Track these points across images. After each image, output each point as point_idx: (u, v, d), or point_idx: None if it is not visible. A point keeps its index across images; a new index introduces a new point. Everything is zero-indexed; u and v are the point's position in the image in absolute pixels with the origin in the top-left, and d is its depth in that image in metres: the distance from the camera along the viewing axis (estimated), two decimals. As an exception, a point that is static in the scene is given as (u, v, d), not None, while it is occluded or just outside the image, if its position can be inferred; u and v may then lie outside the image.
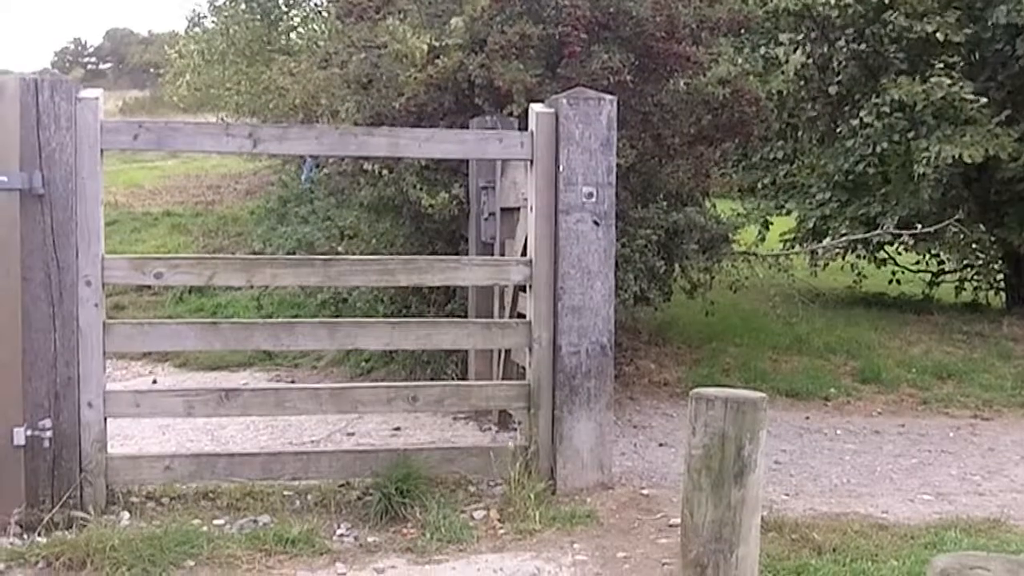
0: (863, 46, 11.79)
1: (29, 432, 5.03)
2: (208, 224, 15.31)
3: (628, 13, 7.78)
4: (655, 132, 8.13)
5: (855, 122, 11.52)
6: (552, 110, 5.66)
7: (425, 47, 7.61)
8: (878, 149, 11.40)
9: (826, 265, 12.74)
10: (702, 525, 3.49)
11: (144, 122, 5.43)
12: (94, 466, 5.17)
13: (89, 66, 76.72)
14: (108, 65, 76.42)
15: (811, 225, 12.61)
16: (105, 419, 5.24)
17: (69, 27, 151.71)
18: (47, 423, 5.06)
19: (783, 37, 12.16)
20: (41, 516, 5.00)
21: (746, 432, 3.56)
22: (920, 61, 11.56)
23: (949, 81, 10.66)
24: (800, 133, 13.16)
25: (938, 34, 10.96)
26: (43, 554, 4.69)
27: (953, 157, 10.53)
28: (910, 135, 11.13)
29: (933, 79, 10.74)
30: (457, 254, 8.06)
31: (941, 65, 11.02)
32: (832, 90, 12.15)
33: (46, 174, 5.02)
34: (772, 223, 13.04)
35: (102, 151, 5.21)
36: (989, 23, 11.30)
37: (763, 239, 12.57)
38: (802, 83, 12.30)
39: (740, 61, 8.47)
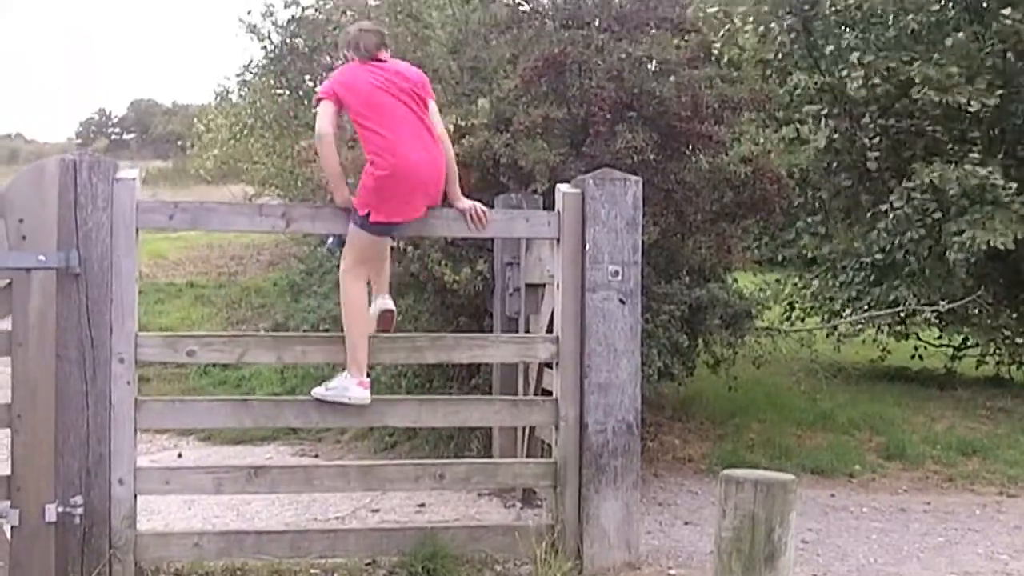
0: (891, 121, 11.86)
1: (61, 509, 5.07)
2: (231, 295, 15.40)
3: (652, 93, 7.90)
4: (678, 209, 8.20)
5: (884, 206, 11.57)
6: (579, 190, 5.74)
7: (451, 127, 7.73)
8: (911, 235, 11.41)
9: (854, 335, 12.70)
10: (733, 609, 3.50)
11: (180, 202, 5.53)
12: (124, 543, 5.20)
13: (113, 136, 77.62)
14: (132, 135, 77.28)
15: (837, 306, 12.61)
16: (135, 496, 5.28)
17: (94, 98, 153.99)
18: (78, 500, 5.10)
19: (805, 111, 12.28)
20: (71, 593, 5.03)
21: (776, 514, 3.58)
22: (950, 139, 11.60)
23: (983, 170, 10.71)
24: (825, 211, 13.18)
25: (972, 102, 11.01)
26: (72, 631, 4.72)
27: (987, 243, 10.55)
28: (937, 216, 11.18)
29: (967, 166, 10.80)
30: (481, 329, 8.11)
31: (975, 154, 11.08)
32: (858, 168, 12.20)
33: (83, 253, 5.11)
34: (797, 303, 13.07)
35: (137, 230, 5.31)
36: (1019, 95, 11.37)
37: (789, 319, 12.59)
38: (826, 160, 12.37)
39: (762, 140, 8.56)
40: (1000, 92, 11.25)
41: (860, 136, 12.20)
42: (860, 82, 11.41)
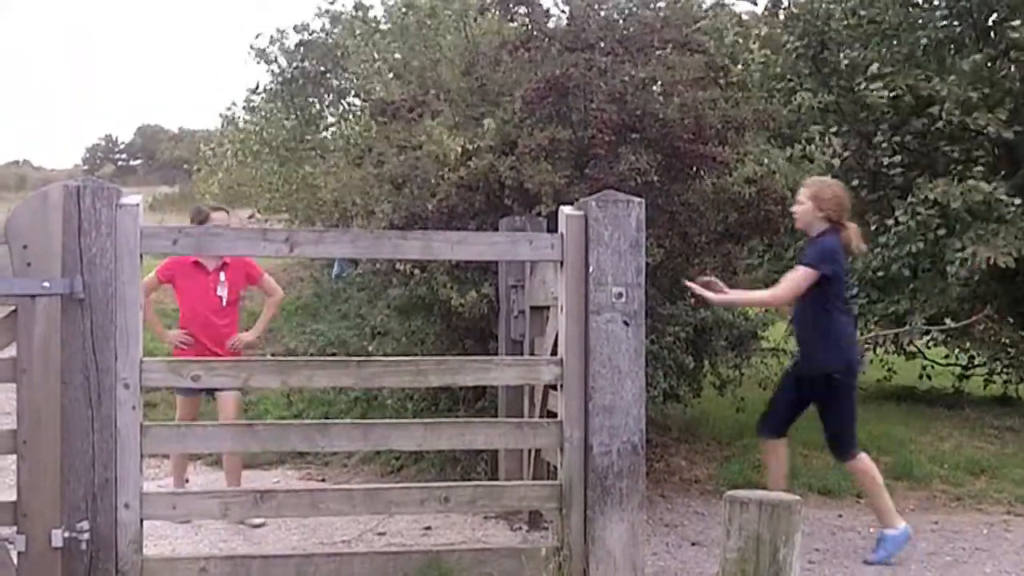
0: (908, 138, 11.87)
1: (67, 534, 5.07)
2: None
3: (655, 115, 7.92)
4: (682, 230, 8.21)
5: (890, 221, 11.57)
6: (582, 213, 5.74)
7: (459, 148, 7.76)
8: (912, 249, 11.40)
9: (859, 359, 12.67)
10: (738, 630, 3.50)
11: (184, 228, 5.56)
12: (130, 568, 5.20)
13: (120, 162, 77.93)
14: (138, 161, 77.60)
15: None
16: (141, 521, 5.28)
17: (100, 124, 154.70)
18: (84, 525, 5.10)
19: (812, 130, 12.29)
20: (77, 619, 5.03)
21: (781, 535, 3.57)
22: (963, 157, 11.60)
23: (988, 186, 10.71)
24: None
25: (989, 128, 11.03)
26: (78, 657, 4.71)
27: (988, 261, 10.54)
28: (941, 232, 11.17)
29: (971, 181, 10.80)
30: (487, 352, 8.12)
31: (981, 168, 11.09)
32: (867, 187, 12.21)
33: (87, 279, 5.12)
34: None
35: (141, 256, 5.32)
36: None
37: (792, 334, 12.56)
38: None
39: (766, 161, 8.57)
40: (1016, 128, 11.29)
41: (873, 154, 12.19)
42: (882, 93, 11.41)
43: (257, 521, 7.31)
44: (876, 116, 11.94)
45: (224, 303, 8.13)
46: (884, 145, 12.01)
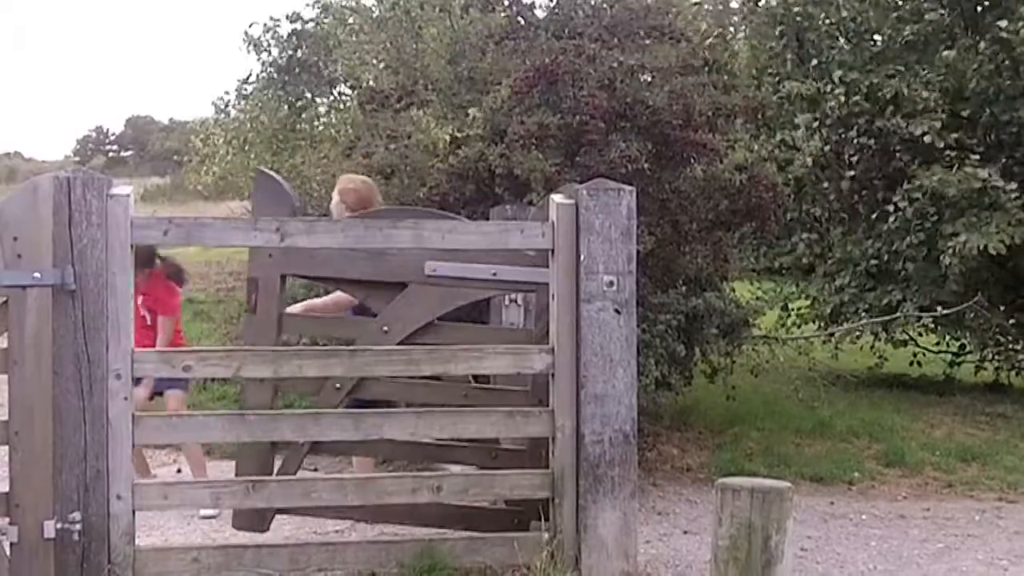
0: (871, 140, 11.91)
1: (59, 525, 5.07)
2: (230, 311, 15.35)
3: (645, 103, 7.92)
4: (673, 218, 8.21)
5: (890, 207, 11.59)
6: (573, 201, 5.74)
7: (448, 137, 7.75)
8: (909, 240, 11.43)
9: (850, 342, 12.70)
10: (730, 617, 3.51)
11: (174, 218, 5.53)
12: (123, 559, 5.20)
13: (111, 154, 77.67)
14: (129, 152, 77.37)
15: (829, 310, 12.62)
16: (134, 511, 5.27)
17: (91, 115, 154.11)
18: (77, 516, 5.10)
19: (799, 120, 12.30)
20: (69, 610, 5.03)
21: (772, 522, 3.59)
22: (931, 153, 11.65)
23: (984, 172, 10.74)
24: (819, 218, 13.21)
25: (926, 137, 11.09)
26: (71, 648, 4.71)
27: (979, 248, 10.56)
28: (935, 220, 11.20)
29: (967, 169, 10.81)
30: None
31: (977, 157, 11.12)
32: (845, 183, 12.27)
33: (78, 270, 5.11)
34: (793, 309, 13.05)
35: (132, 246, 5.31)
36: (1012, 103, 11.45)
37: (784, 324, 12.58)
38: (820, 169, 12.38)
39: (756, 148, 8.58)
40: (955, 135, 11.32)
41: (845, 150, 12.24)
42: (841, 99, 11.47)
43: (209, 513, 7.26)
44: (844, 117, 11.99)
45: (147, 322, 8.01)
46: (855, 141, 12.06)
